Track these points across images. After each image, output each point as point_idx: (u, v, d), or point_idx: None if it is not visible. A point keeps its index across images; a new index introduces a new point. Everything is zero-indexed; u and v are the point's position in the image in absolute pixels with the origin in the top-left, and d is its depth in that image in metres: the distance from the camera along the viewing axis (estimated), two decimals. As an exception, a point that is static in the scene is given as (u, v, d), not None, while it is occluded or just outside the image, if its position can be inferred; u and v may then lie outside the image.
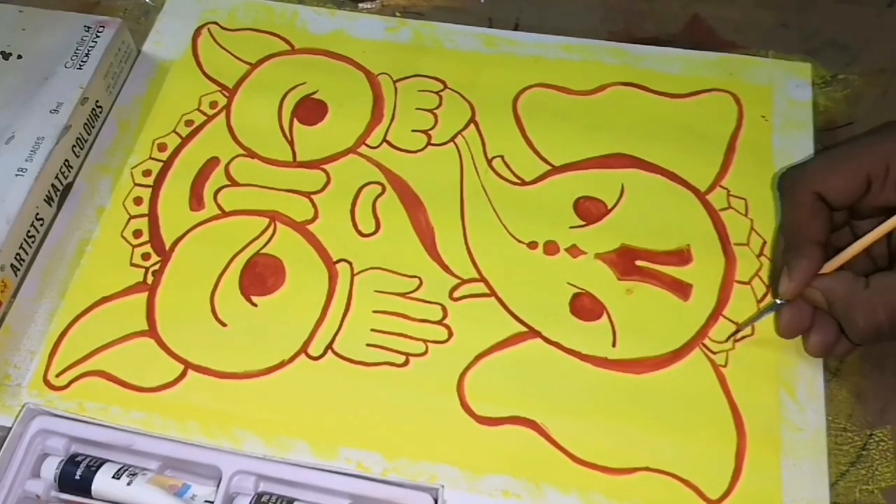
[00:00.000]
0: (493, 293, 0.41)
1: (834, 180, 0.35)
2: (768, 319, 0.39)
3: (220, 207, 0.43)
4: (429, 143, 0.45)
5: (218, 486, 0.34)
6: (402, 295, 0.41)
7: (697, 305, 0.40)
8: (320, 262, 0.42)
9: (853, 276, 0.34)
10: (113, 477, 0.34)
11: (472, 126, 0.46)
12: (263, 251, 0.42)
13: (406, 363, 0.39)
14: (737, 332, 0.39)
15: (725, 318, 0.40)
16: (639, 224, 0.42)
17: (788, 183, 0.37)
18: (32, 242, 0.42)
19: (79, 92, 0.44)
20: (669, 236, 0.42)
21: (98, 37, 0.46)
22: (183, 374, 0.39)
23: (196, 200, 0.44)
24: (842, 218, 0.37)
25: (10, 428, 0.35)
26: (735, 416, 0.37)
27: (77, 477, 0.34)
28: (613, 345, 0.39)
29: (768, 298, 0.40)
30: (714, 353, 0.39)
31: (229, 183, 0.44)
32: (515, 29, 0.50)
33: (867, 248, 0.35)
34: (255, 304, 0.41)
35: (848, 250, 0.35)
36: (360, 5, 0.51)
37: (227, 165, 0.45)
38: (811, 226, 0.35)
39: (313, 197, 0.44)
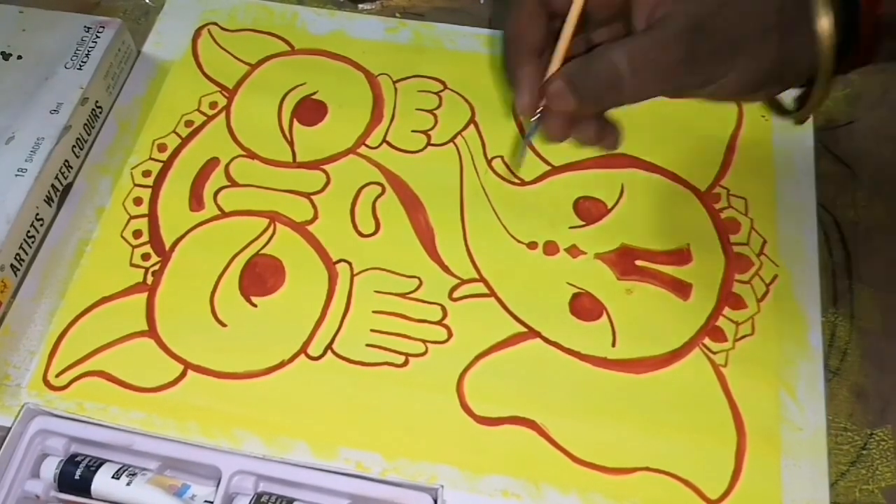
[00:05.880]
0: (492, 293, 0.41)
1: None
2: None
3: (219, 208, 0.43)
4: (428, 144, 0.45)
5: (217, 486, 0.34)
6: (402, 295, 0.41)
7: (697, 305, 0.40)
8: (320, 263, 0.42)
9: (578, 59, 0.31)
10: (112, 477, 0.34)
11: (471, 126, 0.46)
12: (263, 252, 0.42)
13: (406, 363, 0.39)
14: (519, 156, 0.44)
15: (726, 317, 0.40)
16: (638, 224, 0.42)
17: None
18: (32, 242, 0.42)
19: (79, 92, 0.44)
20: (669, 236, 0.42)
21: (98, 37, 0.46)
22: (183, 375, 0.39)
23: (196, 201, 0.44)
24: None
25: (10, 428, 0.35)
26: (735, 416, 0.37)
27: (77, 477, 0.34)
28: (613, 345, 0.39)
29: (769, 298, 0.40)
30: (714, 352, 0.39)
31: (229, 183, 0.44)
32: (515, 29, 0.50)
33: (574, 36, 0.33)
34: (254, 305, 0.41)
35: (559, 45, 0.32)
36: (360, 6, 0.51)
37: (226, 166, 0.45)
38: (529, 34, 0.33)
39: (313, 197, 0.44)
